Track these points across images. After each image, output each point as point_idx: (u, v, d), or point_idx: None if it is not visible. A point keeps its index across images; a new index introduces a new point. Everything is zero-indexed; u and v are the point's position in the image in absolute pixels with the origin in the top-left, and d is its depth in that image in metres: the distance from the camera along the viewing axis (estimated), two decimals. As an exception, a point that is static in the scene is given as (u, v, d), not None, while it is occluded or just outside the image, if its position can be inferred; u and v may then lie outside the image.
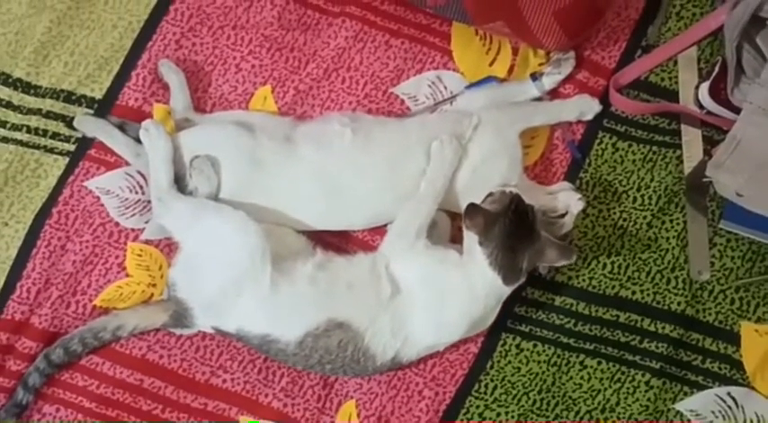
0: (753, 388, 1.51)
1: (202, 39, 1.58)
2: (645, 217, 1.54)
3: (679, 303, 1.52)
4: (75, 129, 1.54)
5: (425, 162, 1.44)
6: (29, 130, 1.55)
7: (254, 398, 1.52)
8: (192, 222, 1.41)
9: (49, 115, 1.55)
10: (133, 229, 1.53)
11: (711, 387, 1.52)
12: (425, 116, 1.54)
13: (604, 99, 1.54)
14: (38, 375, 1.46)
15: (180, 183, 1.45)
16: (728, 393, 1.51)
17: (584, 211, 1.48)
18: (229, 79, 1.57)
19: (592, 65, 1.56)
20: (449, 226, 1.51)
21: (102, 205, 1.53)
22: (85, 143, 1.54)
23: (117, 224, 1.53)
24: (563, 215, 1.46)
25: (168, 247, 1.52)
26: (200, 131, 1.49)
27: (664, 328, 1.52)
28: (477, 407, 1.52)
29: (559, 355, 1.52)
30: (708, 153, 1.52)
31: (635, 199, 1.54)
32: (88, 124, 1.53)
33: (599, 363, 1.52)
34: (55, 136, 1.55)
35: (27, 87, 1.56)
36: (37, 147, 1.55)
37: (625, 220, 1.54)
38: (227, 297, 1.39)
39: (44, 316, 1.51)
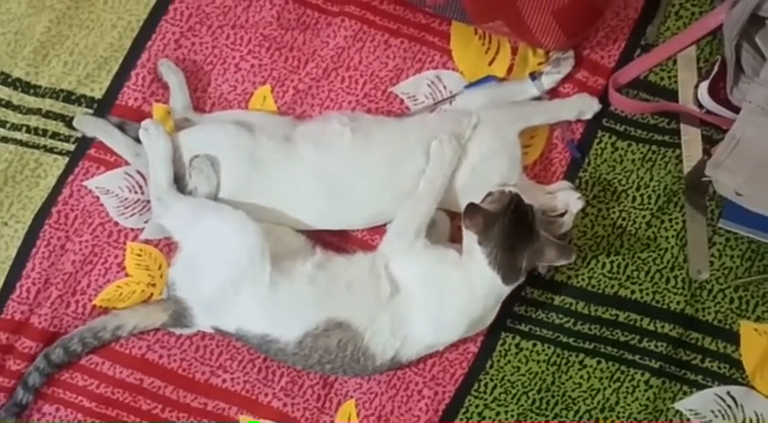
0: (752, 387, 1.51)
1: (202, 38, 1.58)
2: (644, 216, 1.54)
3: (678, 302, 1.52)
4: (74, 128, 1.54)
5: (425, 161, 1.44)
6: (28, 130, 1.55)
7: (253, 397, 1.52)
8: (192, 222, 1.41)
9: (48, 115, 1.55)
10: (133, 229, 1.53)
11: (711, 386, 1.51)
12: (425, 116, 1.54)
13: (604, 98, 1.54)
14: (38, 375, 1.46)
15: (179, 182, 1.45)
16: (728, 392, 1.51)
17: (583, 210, 1.48)
18: (229, 79, 1.57)
19: (591, 64, 1.56)
20: (448, 225, 1.51)
21: (102, 205, 1.53)
22: (85, 143, 1.54)
23: (116, 224, 1.53)
24: (562, 214, 1.46)
25: (168, 247, 1.52)
26: (199, 131, 1.49)
27: (663, 327, 1.52)
28: (477, 406, 1.52)
29: (559, 355, 1.52)
30: (707, 152, 1.52)
31: (634, 198, 1.54)
32: (88, 124, 1.53)
33: (598, 362, 1.52)
34: (54, 136, 1.55)
35: (27, 87, 1.56)
36: (36, 146, 1.55)
37: (624, 219, 1.54)
38: (226, 296, 1.39)
39: (44, 316, 1.51)
